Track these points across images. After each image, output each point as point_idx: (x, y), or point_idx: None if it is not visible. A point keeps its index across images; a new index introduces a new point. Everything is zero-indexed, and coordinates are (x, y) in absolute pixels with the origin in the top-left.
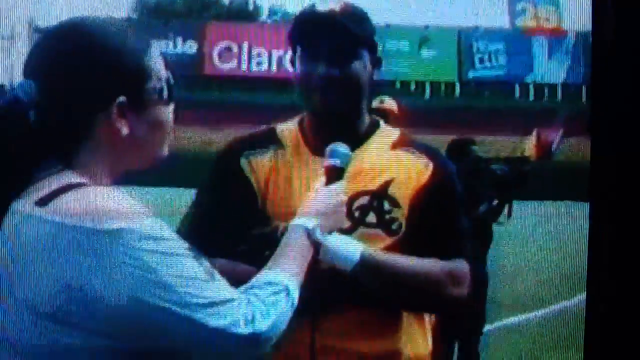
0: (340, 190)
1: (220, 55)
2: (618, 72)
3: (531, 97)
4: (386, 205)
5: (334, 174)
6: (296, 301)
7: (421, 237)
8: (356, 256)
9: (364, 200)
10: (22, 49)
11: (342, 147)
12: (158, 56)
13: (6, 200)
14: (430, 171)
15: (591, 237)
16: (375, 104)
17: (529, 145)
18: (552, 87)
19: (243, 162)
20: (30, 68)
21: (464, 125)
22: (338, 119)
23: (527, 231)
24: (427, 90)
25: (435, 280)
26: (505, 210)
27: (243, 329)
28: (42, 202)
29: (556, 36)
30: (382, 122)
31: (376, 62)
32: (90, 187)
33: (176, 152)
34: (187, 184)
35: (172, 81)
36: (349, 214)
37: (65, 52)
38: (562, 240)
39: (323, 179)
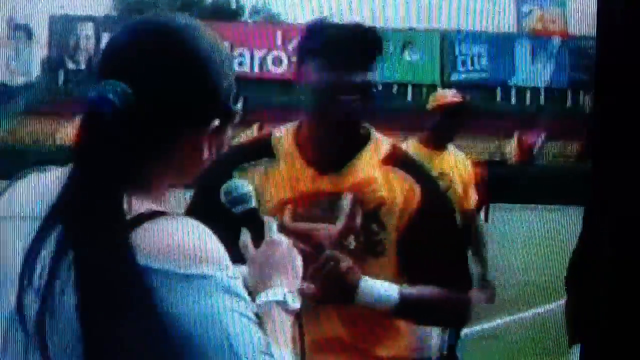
0: (265, 248)
1: None
2: (622, 77)
3: (513, 101)
4: (374, 228)
5: (250, 219)
6: None
7: (417, 261)
8: (395, 296)
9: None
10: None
11: (238, 188)
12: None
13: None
14: (418, 196)
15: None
16: (439, 99)
17: (509, 149)
18: (534, 90)
19: (235, 173)
20: (118, 67)
21: None
22: (345, 126)
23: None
24: (409, 93)
25: (452, 302)
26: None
27: None
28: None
29: (562, 38)
30: (373, 132)
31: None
32: (172, 218)
33: None
34: None
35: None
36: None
37: (164, 56)
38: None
39: (248, 237)
